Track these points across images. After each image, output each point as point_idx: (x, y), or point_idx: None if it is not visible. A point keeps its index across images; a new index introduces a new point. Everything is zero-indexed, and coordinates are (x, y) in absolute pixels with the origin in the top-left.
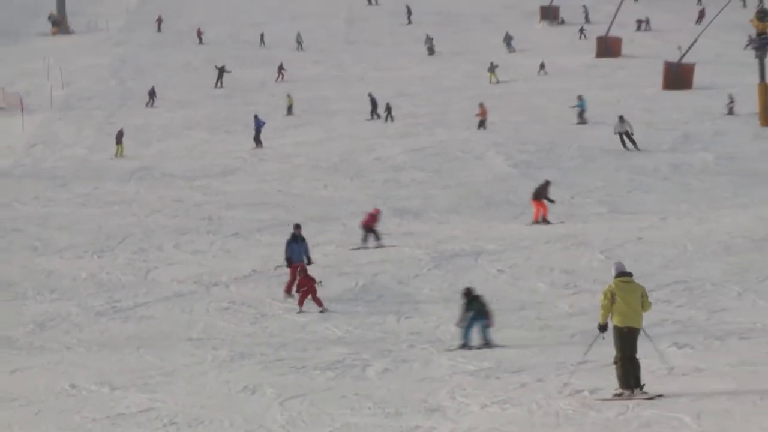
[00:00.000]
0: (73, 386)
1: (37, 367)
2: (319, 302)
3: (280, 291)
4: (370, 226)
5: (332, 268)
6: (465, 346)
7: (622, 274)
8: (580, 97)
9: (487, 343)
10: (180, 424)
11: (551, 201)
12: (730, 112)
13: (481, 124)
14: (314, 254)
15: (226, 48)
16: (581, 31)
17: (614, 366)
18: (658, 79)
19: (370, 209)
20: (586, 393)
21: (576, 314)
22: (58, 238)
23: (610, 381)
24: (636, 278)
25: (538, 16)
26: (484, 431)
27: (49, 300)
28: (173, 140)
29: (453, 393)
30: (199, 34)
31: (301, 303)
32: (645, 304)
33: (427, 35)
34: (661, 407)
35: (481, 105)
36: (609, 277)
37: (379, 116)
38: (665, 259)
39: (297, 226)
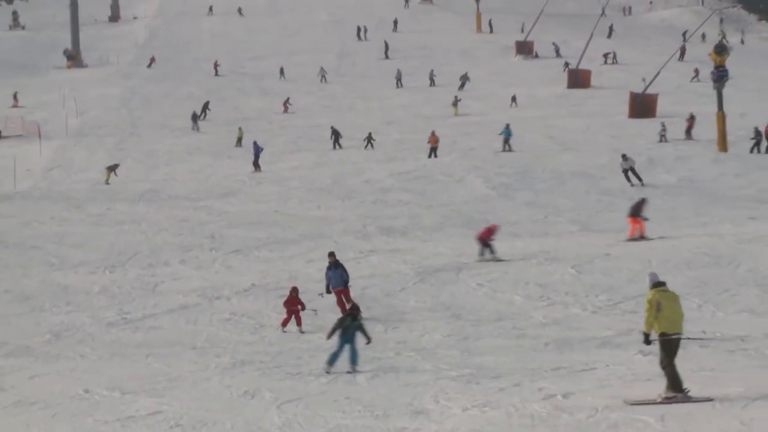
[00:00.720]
0: (86, 391)
1: (54, 374)
2: (299, 322)
3: (278, 303)
4: (485, 239)
5: (323, 282)
6: None
7: (660, 283)
8: (507, 126)
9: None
10: (185, 426)
11: (645, 219)
12: (662, 139)
13: (432, 151)
14: (308, 270)
15: (231, 80)
16: (566, 65)
17: (663, 371)
18: (625, 108)
19: (488, 224)
20: (559, 397)
21: (549, 324)
22: (73, 255)
23: (581, 386)
24: (603, 291)
25: (514, 51)
26: (467, 431)
27: (65, 312)
28: (178, 164)
29: (436, 397)
30: (216, 66)
31: (293, 323)
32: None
33: (398, 69)
34: (628, 410)
35: (433, 133)
36: (580, 289)
37: (341, 146)
38: (631, 273)
39: (331, 254)
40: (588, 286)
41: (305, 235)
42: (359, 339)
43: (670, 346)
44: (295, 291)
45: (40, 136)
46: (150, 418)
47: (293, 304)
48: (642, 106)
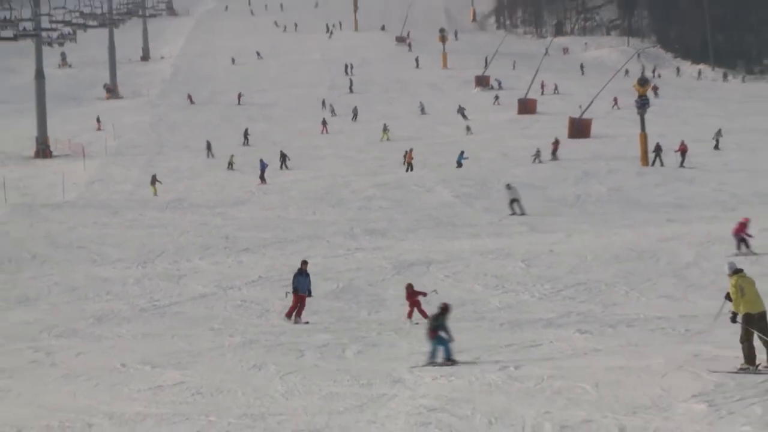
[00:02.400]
0: (123, 365)
1: (96, 351)
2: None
3: (281, 293)
4: (740, 234)
5: (319, 274)
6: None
7: (739, 270)
8: (462, 153)
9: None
10: (204, 394)
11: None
12: (535, 161)
13: (409, 166)
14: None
15: (242, 108)
16: (496, 98)
17: (741, 345)
18: (565, 130)
19: (741, 219)
20: (511, 368)
21: (503, 308)
22: (111, 253)
23: (530, 359)
24: (548, 280)
25: (473, 83)
26: (435, 397)
27: (105, 300)
28: (198, 178)
29: (411, 369)
30: (239, 97)
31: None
32: None
33: (356, 106)
34: (568, 378)
35: (410, 151)
36: (528, 280)
37: (288, 167)
38: (570, 266)
39: (304, 263)
40: (535, 277)
41: (303, 235)
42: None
43: (751, 324)
44: (410, 287)
45: (84, 155)
46: (175, 387)
47: (413, 297)
48: (579, 128)
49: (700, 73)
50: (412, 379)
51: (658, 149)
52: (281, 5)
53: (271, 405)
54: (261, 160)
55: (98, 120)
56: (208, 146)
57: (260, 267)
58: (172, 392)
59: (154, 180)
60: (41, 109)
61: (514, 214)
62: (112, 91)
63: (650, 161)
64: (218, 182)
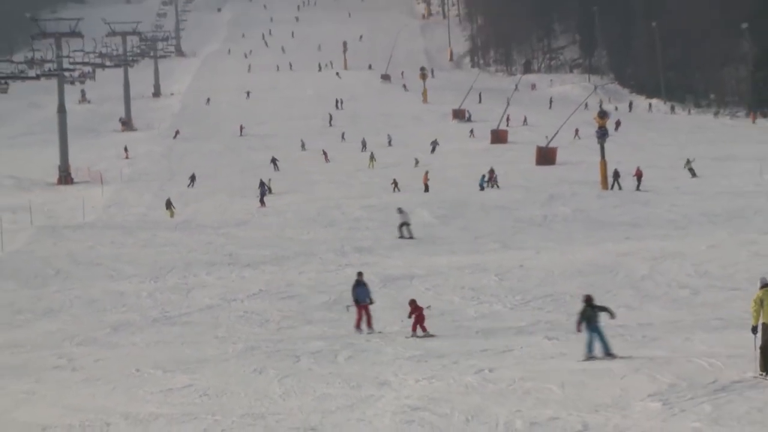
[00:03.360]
0: (137, 370)
1: (113, 357)
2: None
3: (279, 304)
4: None
5: (313, 287)
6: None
7: (766, 285)
8: (483, 177)
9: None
10: (211, 395)
11: None
12: (482, 187)
13: (426, 186)
14: (300, 279)
15: (244, 139)
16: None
17: (759, 353)
18: (533, 158)
19: None
20: (486, 371)
21: (479, 317)
22: (126, 269)
23: (503, 363)
24: (518, 292)
25: (451, 116)
26: (418, 398)
27: (121, 311)
28: (204, 201)
29: (396, 372)
30: (241, 129)
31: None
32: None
33: (301, 140)
34: (537, 380)
35: (426, 173)
36: (501, 292)
37: (278, 168)
38: (539, 280)
39: (360, 274)
40: (507, 289)
41: (298, 253)
42: (604, 326)
43: None
44: (414, 302)
45: (101, 182)
46: (184, 390)
47: (417, 310)
48: (545, 156)
49: (650, 106)
50: (396, 382)
51: (616, 174)
52: (282, 48)
53: (271, 405)
54: (261, 184)
55: (126, 149)
56: (192, 177)
57: (260, 281)
58: (182, 394)
59: (169, 204)
60: (63, 141)
61: (402, 237)
62: (126, 124)
63: (609, 185)
64: (222, 205)
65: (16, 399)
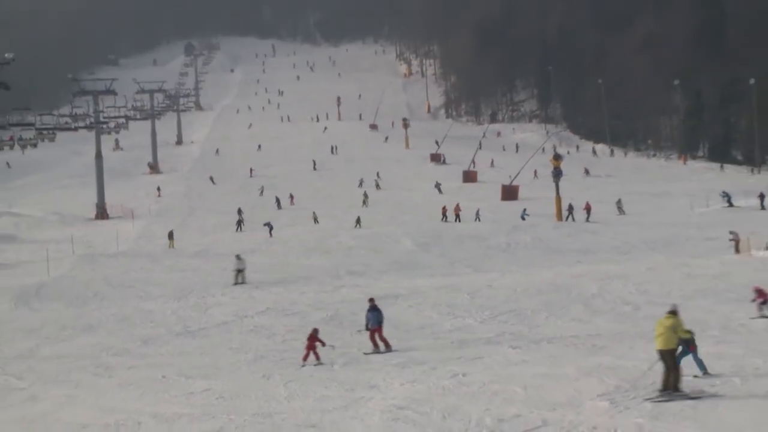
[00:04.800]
0: (163, 377)
1: (143, 366)
2: (386, 342)
3: (285, 320)
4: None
5: (313, 305)
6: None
7: (671, 312)
8: (524, 210)
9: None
10: (226, 397)
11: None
12: (523, 218)
13: (457, 217)
14: (302, 298)
15: (255, 180)
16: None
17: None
18: (498, 194)
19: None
20: (460, 376)
21: (454, 330)
22: (154, 291)
23: (474, 369)
24: (487, 308)
25: (429, 159)
26: (402, 399)
27: (150, 327)
28: (219, 234)
29: (384, 377)
30: (251, 171)
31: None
32: (677, 331)
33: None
34: (503, 383)
35: (457, 204)
36: (472, 308)
37: (242, 228)
38: (505, 297)
39: (371, 300)
40: (478, 305)
41: (300, 276)
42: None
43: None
44: (315, 331)
45: (132, 217)
46: (204, 393)
47: (312, 341)
48: (509, 193)
49: (594, 150)
50: (384, 385)
51: (570, 208)
52: (278, 104)
53: (277, 406)
54: (268, 223)
55: (158, 189)
56: (171, 235)
57: (268, 300)
58: (201, 397)
59: (171, 235)
60: (100, 182)
61: (236, 284)
62: (153, 167)
63: (564, 217)
64: (235, 236)
65: (60, 402)
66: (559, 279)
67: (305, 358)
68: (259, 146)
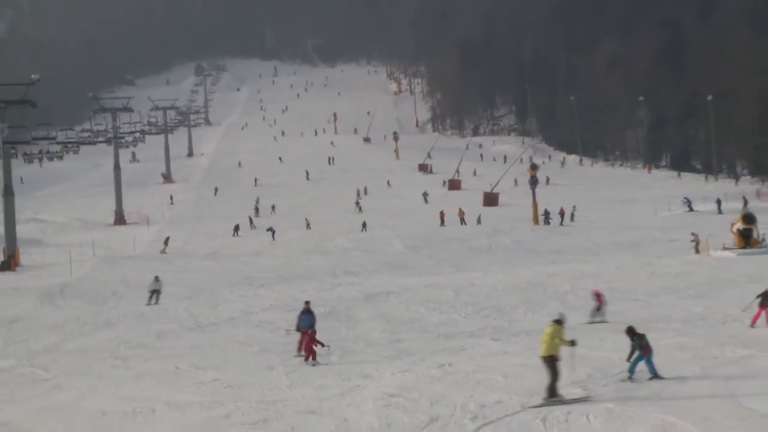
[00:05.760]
0: (176, 368)
1: (158, 358)
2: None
3: (288, 315)
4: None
5: (312, 302)
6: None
7: (557, 321)
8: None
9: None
10: (233, 386)
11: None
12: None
13: (461, 220)
14: (303, 296)
15: (259, 188)
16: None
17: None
18: (480, 200)
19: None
20: (446, 366)
21: (440, 324)
22: (167, 290)
23: (459, 359)
24: (470, 304)
25: (417, 169)
26: (394, 386)
27: (164, 322)
28: (227, 238)
29: (377, 367)
30: (255, 181)
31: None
32: (556, 339)
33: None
34: (486, 372)
35: (460, 209)
36: (457, 304)
37: (238, 234)
38: (486, 294)
39: (307, 302)
40: (462, 301)
41: (300, 276)
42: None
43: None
44: (313, 332)
45: (148, 223)
46: (213, 382)
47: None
48: (490, 199)
49: (564, 160)
50: (377, 374)
51: (546, 213)
52: (280, 120)
53: (280, 394)
54: (270, 228)
55: (171, 197)
56: (254, 211)
57: (271, 298)
58: (211, 386)
59: (166, 241)
60: (118, 191)
61: (149, 304)
62: (167, 177)
63: (540, 221)
64: (241, 240)
65: (82, 391)
66: (535, 277)
67: (307, 358)
68: (263, 158)
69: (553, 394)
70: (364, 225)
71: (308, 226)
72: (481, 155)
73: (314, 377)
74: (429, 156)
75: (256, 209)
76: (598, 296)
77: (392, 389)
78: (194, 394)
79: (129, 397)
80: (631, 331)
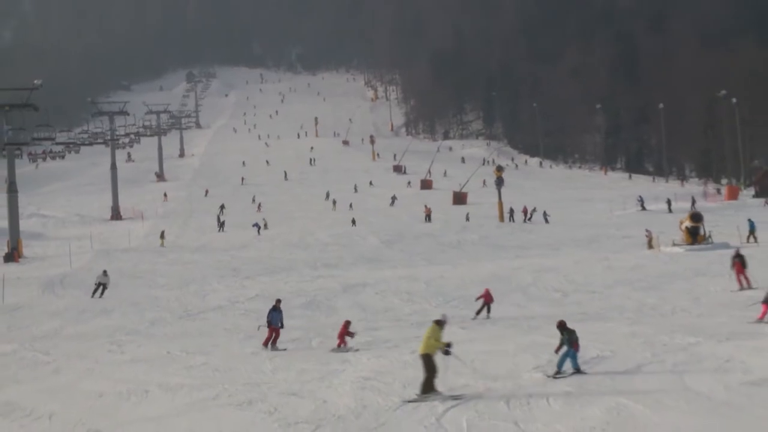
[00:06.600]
0: (168, 353)
1: (150, 344)
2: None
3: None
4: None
5: (294, 293)
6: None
7: (438, 322)
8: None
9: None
10: (221, 370)
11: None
12: (427, 220)
13: (427, 216)
14: (286, 287)
15: (245, 188)
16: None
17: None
18: (449, 199)
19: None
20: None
21: (413, 313)
22: (160, 280)
23: None
24: (440, 295)
25: (392, 170)
26: (369, 371)
27: (156, 311)
28: (216, 232)
29: (354, 353)
30: (242, 180)
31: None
32: (431, 339)
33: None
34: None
35: (426, 206)
36: (428, 294)
37: (224, 229)
38: (455, 286)
39: (278, 301)
40: (432, 292)
41: (283, 268)
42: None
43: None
44: (347, 323)
45: (142, 218)
46: (202, 366)
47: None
48: (459, 198)
49: (526, 161)
50: (354, 360)
51: (511, 211)
52: (265, 123)
53: (264, 377)
54: (256, 224)
55: (165, 194)
56: (217, 219)
57: (256, 288)
58: (200, 370)
59: (162, 234)
60: (114, 189)
61: (93, 297)
62: (160, 176)
63: (505, 219)
64: (228, 234)
65: (81, 374)
66: (500, 271)
67: (339, 345)
68: (249, 159)
69: (428, 390)
70: (353, 221)
71: (266, 226)
72: (457, 159)
73: (295, 362)
74: (394, 157)
75: (219, 218)
76: (486, 295)
77: (368, 373)
78: (184, 377)
79: (124, 380)
80: (561, 326)
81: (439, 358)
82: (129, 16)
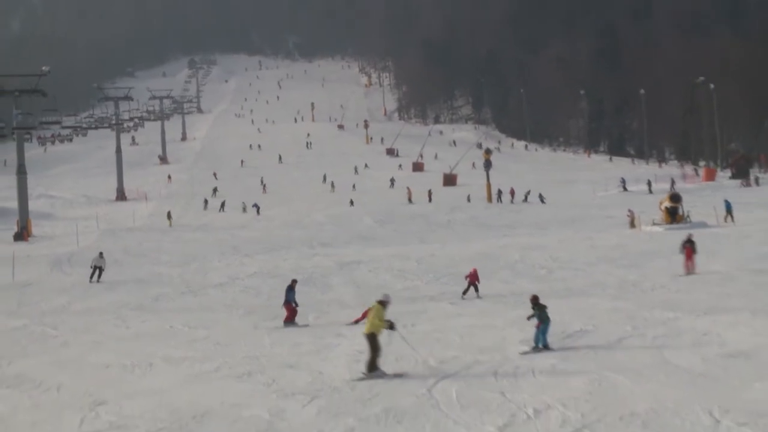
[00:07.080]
0: (171, 327)
1: (154, 319)
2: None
3: (270, 282)
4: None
5: (292, 270)
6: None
7: (381, 301)
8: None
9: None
10: (221, 344)
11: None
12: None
13: (408, 198)
14: (283, 264)
15: (244, 169)
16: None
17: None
18: (440, 181)
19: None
20: (410, 326)
21: (404, 290)
22: (164, 258)
23: (420, 320)
24: (431, 272)
25: (385, 153)
26: (363, 345)
27: (159, 287)
28: (217, 212)
29: (348, 328)
30: (242, 162)
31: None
32: (375, 319)
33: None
34: (444, 332)
35: (408, 188)
36: (419, 271)
37: (224, 210)
38: (446, 263)
39: (294, 281)
40: (423, 270)
41: (281, 246)
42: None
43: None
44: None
45: (146, 199)
46: (204, 340)
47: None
48: (449, 180)
49: (513, 144)
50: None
51: (499, 192)
52: (263, 109)
53: (263, 350)
54: (255, 204)
55: (169, 177)
56: (204, 203)
57: (255, 266)
58: (202, 343)
59: (169, 215)
60: (120, 171)
61: (91, 279)
62: (163, 159)
63: (493, 200)
64: (230, 214)
65: (88, 347)
66: (489, 249)
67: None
68: (249, 144)
69: (373, 369)
70: (351, 202)
71: (251, 209)
72: (447, 142)
73: (292, 336)
74: (382, 140)
75: (206, 201)
76: (473, 275)
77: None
78: (187, 351)
79: (129, 353)
80: (534, 300)
81: (383, 337)
82: (133, 5)
